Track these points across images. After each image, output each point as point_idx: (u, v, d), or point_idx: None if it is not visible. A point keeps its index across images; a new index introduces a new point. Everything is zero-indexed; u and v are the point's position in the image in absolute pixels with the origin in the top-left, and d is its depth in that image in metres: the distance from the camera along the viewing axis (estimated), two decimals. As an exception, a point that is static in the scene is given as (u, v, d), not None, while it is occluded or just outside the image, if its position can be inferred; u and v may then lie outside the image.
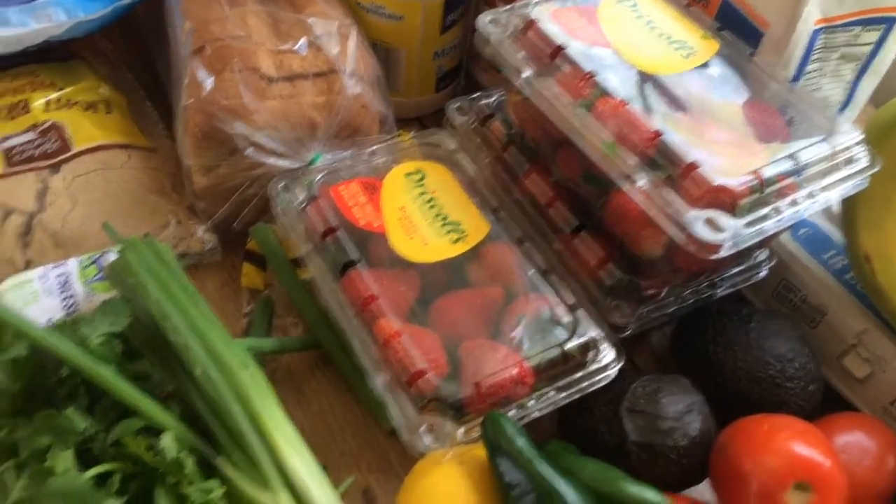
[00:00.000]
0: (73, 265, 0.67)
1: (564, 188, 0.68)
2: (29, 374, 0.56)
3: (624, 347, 0.61)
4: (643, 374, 0.62)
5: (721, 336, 0.65)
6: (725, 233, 0.53)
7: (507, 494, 0.52)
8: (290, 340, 0.69)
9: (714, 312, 0.67)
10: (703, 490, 0.63)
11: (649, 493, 0.54)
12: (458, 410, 0.56)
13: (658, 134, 0.56)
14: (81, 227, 0.70)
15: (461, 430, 0.56)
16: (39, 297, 0.65)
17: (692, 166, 0.54)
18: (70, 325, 0.56)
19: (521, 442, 0.53)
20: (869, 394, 0.67)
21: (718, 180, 0.53)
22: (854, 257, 0.65)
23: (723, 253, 0.53)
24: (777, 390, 0.62)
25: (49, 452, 0.52)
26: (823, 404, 0.65)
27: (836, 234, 0.71)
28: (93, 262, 0.67)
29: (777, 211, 0.55)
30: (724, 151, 0.56)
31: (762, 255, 0.69)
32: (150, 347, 0.60)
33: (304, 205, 0.67)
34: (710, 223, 0.53)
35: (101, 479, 0.52)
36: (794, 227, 0.72)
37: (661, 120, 0.59)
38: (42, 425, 0.52)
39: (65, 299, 0.65)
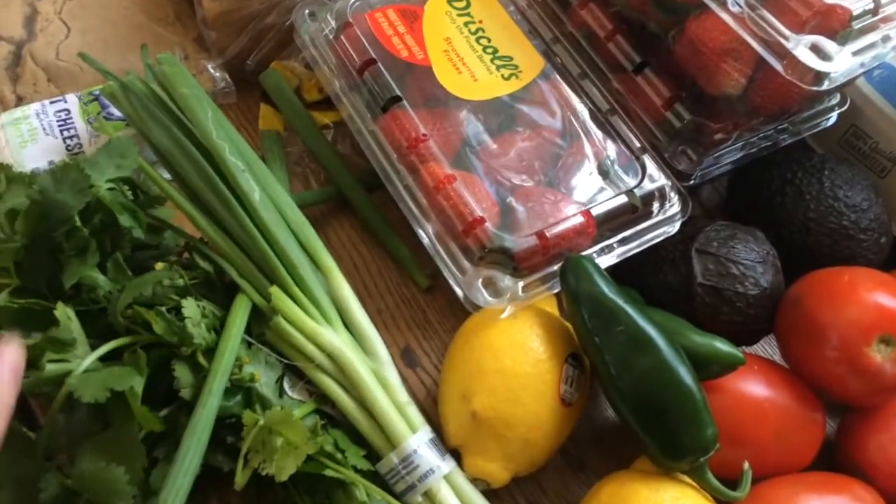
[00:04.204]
0: (72, 101, 0.59)
1: (626, 19, 0.60)
2: (32, 227, 0.49)
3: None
4: (716, 220, 0.57)
5: (790, 185, 0.60)
6: (833, 61, 0.47)
7: (589, 343, 0.49)
8: (319, 193, 0.63)
9: (781, 160, 0.62)
10: (758, 350, 0.61)
11: (719, 343, 0.51)
12: (517, 263, 0.51)
13: (758, -53, 0.49)
14: (78, 59, 0.62)
15: (521, 284, 0.51)
16: (38, 135, 0.57)
17: (800, -17, 0.47)
18: (74, 168, 0.48)
19: (609, 287, 0.49)
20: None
21: (831, -1, 0.47)
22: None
23: (826, 85, 0.47)
24: (849, 242, 0.58)
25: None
26: (889, 259, 0.61)
27: (914, 77, 0.65)
28: (94, 99, 0.60)
29: (886, 39, 0.48)
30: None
31: (833, 98, 0.63)
32: (180, 179, 0.54)
33: (335, 34, 0.59)
34: (816, 49, 0.47)
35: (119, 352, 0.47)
36: (868, 69, 0.66)
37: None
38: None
39: (67, 139, 0.58)
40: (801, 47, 0.47)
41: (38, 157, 0.57)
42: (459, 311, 0.54)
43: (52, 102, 0.59)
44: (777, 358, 0.60)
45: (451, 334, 0.60)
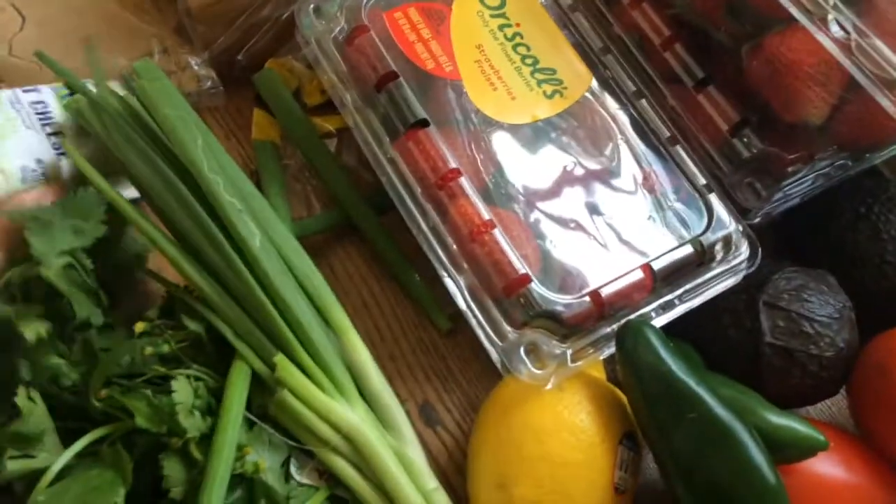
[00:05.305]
0: (47, 93, 0.49)
1: (687, 25, 0.51)
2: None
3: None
4: (781, 264, 0.50)
5: (864, 221, 0.53)
6: (959, 107, 0.39)
7: (653, 429, 0.42)
8: (322, 219, 0.55)
9: (851, 190, 0.54)
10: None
11: (798, 425, 0.44)
12: (567, 329, 0.44)
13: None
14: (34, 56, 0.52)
15: (570, 352, 0.44)
16: (18, 126, 0.46)
17: (926, 9, 0.39)
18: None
19: (676, 363, 0.42)
20: None
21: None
22: None
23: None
24: (931, 291, 0.51)
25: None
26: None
27: None
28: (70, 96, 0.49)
29: None
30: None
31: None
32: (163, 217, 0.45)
33: (346, 37, 0.49)
34: (942, 93, 0.39)
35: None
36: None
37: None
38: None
39: (50, 135, 0.48)
40: (923, 87, 0.39)
41: (23, 154, 0.47)
42: (485, 359, 0.47)
43: (24, 91, 0.48)
44: (838, 412, 0.53)
45: (475, 385, 0.53)
